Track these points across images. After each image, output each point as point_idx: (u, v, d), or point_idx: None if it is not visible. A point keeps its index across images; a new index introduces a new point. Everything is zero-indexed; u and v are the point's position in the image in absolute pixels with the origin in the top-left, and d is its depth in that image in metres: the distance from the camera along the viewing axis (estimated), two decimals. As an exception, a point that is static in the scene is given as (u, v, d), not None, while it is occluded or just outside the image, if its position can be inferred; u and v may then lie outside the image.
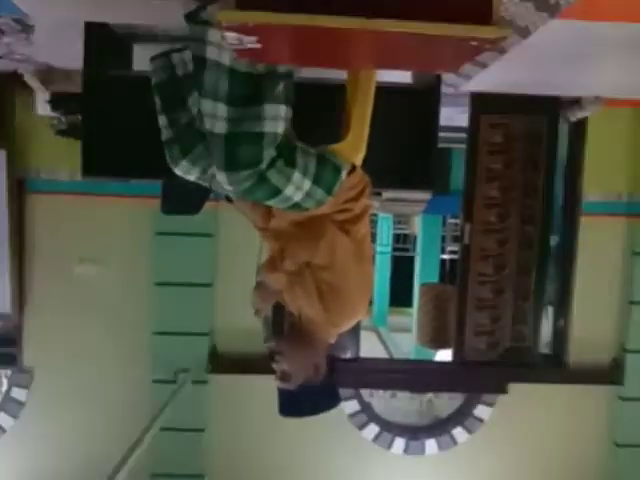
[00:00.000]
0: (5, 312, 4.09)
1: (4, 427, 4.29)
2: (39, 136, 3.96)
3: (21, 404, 4.27)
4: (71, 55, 2.55)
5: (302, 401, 1.66)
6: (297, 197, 1.57)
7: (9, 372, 4.30)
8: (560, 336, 4.36)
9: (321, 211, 1.63)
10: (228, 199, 1.78)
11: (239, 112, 1.46)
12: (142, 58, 2.52)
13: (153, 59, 1.71)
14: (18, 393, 4.27)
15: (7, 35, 2.56)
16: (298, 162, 1.55)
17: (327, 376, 1.68)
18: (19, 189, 4.05)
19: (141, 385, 4.14)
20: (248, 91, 1.45)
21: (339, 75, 1.77)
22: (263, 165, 1.50)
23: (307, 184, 1.56)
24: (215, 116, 1.47)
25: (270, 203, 1.61)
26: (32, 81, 3.33)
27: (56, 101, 3.43)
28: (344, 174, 1.62)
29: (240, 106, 1.46)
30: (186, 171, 1.67)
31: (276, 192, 1.55)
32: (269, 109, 1.47)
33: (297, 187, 1.55)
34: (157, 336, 4.13)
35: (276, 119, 1.48)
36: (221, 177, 1.52)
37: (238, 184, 1.52)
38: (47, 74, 3.30)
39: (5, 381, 4.32)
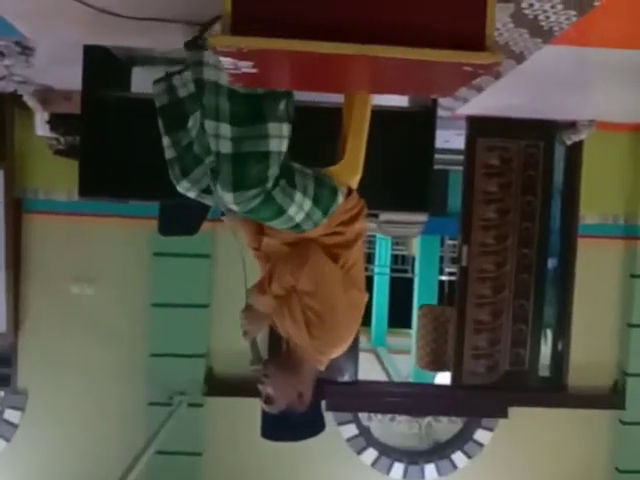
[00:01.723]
0: (0, 332, 4.06)
1: (-4, 450, 4.23)
2: (37, 156, 3.97)
3: (14, 426, 4.22)
4: (70, 77, 2.57)
5: (283, 426, 1.64)
6: (298, 218, 1.57)
7: (2, 393, 4.25)
8: (559, 359, 4.33)
9: (312, 234, 1.62)
10: (222, 214, 1.78)
11: (243, 131, 1.46)
12: (141, 80, 2.55)
13: (156, 82, 1.74)
14: (11, 415, 4.22)
15: (7, 57, 2.58)
16: (298, 182, 1.55)
17: (312, 403, 1.65)
18: (16, 209, 4.05)
19: (136, 407, 4.09)
20: (251, 110, 1.46)
21: (335, 98, 1.78)
22: (269, 184, 1.50)
23: (308, 204, 1.56)
24: (219, 136, 1.47)
25: (273, 223, 1.60)
26: (31, 102, 3.35)
27: (55, 122, 3.45)
28: (341, 197, 1.62)
29: (244, 125, 1.46)
30: (186, 190, 1.70)
31: (280, 212, 1.55)
32: (273, 127, 1.47)
33: (299, 207, 1.55)
34: (153, 358, 4.09)
35: (280, 137, 1.49)
36: (228, 197, 1.51)
37: (245, 204, 1.51)
38: (46, 95, 3.32)
39: (-1, 403, 4.27)
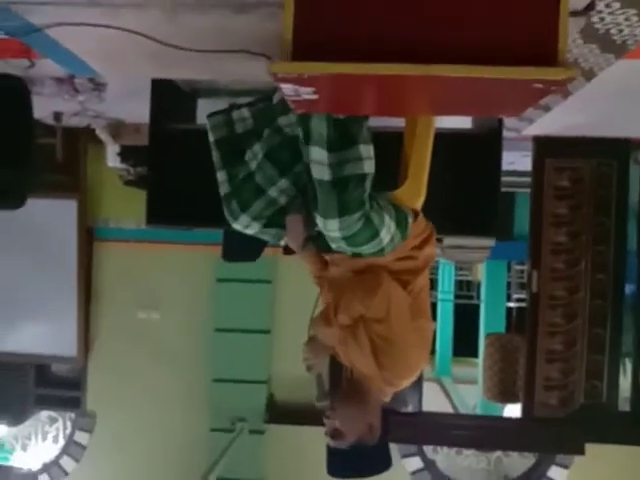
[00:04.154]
0: (71, 355, 4.22)
1: (67, 470, 4.36)
2: (108, 187, 4.15)
3: (83, 447, 4.34)
4: (140, 110, 2.68)
5: (352, 462, 1.55)
6: (386, 240, 1.53)
7: (73, 415, 4.39)
8: (640, 392, 4.04)
9: (384, 260, 1.57)
10: (286, 251, 1.75)
11: (340, 155, 1.44)
12: (206, 111, 2.62)
13: (211, 116, 1.75)
14: (81, 437, 4.35)
15: (81, 93, 2.73)
16: (383, 205, 1.53)
17: (381, 437, 1.58)
18: (88, 237, 4.23)
19: (199, 433, 4.12)
20: (343, 133, 1.44)
21: (393, 122, 1.76)
22: (367, 206, 1.47)
23: (393, 227, 1.53)
24: (315, 162, 1.45)
25: (363, 249, 1.54)
26: (103, 135, 3.52)
27: (125, 153, 3.60)
28: (411, 219, 1.58)
29: (339, 150, 1.44)
30: (246, 225, 1.66)
31: (375, 235, 1.51)
32: (364, 149, 1.46)
33: (388, 230, 1.52)
34: (216, 383, 4.12)
35: (370, 159, 1.48)
36: (332, 224, 1.46)
37: (348, 229, 1.47)
38: (117, 128, 3.48)
39: (69, 424, 4.41)
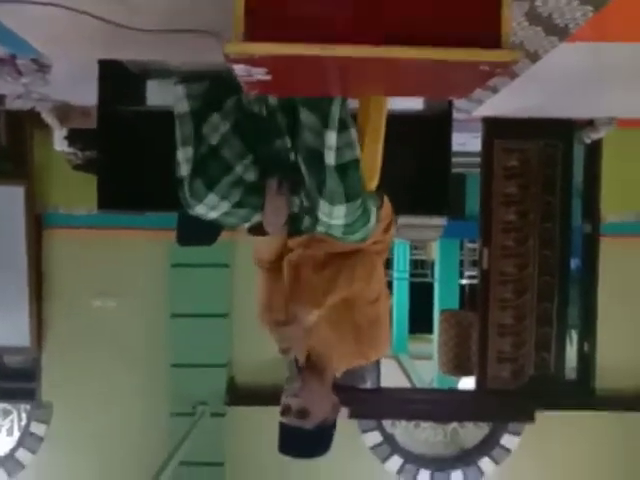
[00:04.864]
0: (24, 346, 4.11)
1: (23, 463, 4.27)
2: (57, 172, 4.03)
3: (40, 439, 4.25)
4: (87, 92, 2.60)
5: (312, 441, 1.56)
6: (372, 224, 1.52)
7: (28, 407, 4.29)
8: (586, 362, 4.25)
9: (364, 243, 1.58)
10: (254, 231, 1.67)
11: (342, 140, 1.40)
12: (156, 93, 2.57)
13: (184, 83, 1.60)
14: (37, 428, 4.26)
15: (25, 75, 2.62)
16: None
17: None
18: (37, 225, 4.10)
19: (159, 418, 4.10)
20: (342, 115, 1.40)
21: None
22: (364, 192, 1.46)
23: (375, 211, 1.53)
24: (331, 148, 1.39)
25: (357, 236, 1.51)
26: (50, 118, 3.40)
27: (73, 137, 3.49)
28: (378, 203, 1.60)
29: (341, 133, 1.40)
30: (212, 206, 1.53)
31: (368, 220, 1.50)
32: (354, 133, 1.43)
33: (373, 215, 1.52)
34: (175, 369, 4.10)
35: (357, 143, 1.45)
36: (339, 211, 1.41)
37: (353, 215, 1.44)
38: (64, 111, 3.37)
39: (24, 416, 4.31)
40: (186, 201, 1.57)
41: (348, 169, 1.40)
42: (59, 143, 3.54)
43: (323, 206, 1.43)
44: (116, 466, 4.16)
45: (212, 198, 1.52)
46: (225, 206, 1.54)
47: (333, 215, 1.43)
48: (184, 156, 1.55)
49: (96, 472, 4.19)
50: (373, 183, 1.67)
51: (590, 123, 3.87)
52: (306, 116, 1.41)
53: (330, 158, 1.38)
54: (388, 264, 9.30)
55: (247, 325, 4.02)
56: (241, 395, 4.15)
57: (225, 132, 1.53)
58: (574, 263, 4.30)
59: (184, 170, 1.55)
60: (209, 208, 1.55)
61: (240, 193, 1.55)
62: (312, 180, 1.45)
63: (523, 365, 4.12)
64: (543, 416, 4.14)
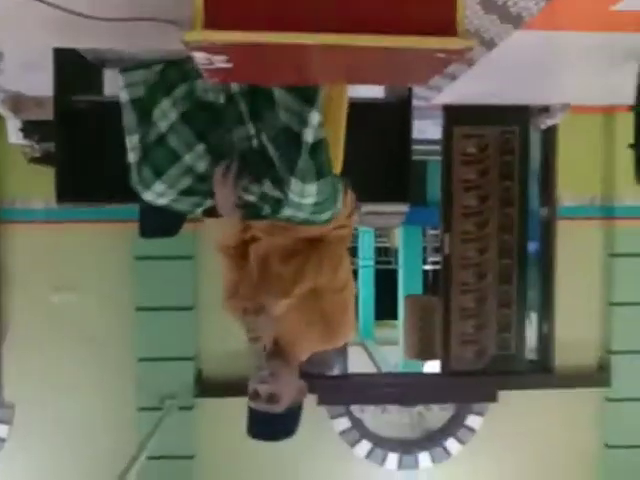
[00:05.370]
0: (-18, 346, 4.01)
1: (-15, 465, 4.17)
2: (12, 165, 3.91)
3: (2, 440, 4.16)
4: (41, 82, 2.54)
5: (280, 424, 1.60)
6: (339, 204, 1.53)
7: (-12, 408, 4.19)
8: (545, 341, 4.39)
9: (325, 229, 1.59)
10: (209, 213, 1.66)
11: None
12: (113, 83, 2.52)
13: (127, 71, 1.58)
14: (-1, 429, 4.16)
15: (-25, 65, 2.54)
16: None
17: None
18: (-7, 219, 3.99)
19: (126, 414, 4.05)
20: (308, 95, 1.39)
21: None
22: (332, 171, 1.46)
23: (342, 190, 1.54)
24: (313, 126, 1.38)
25: (324, 217, 1.52)
26: (2, 109, 3.30)
27: (28, 129, 3.40)
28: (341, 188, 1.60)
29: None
30: (160, 193, 1.55)
31: (335, 200, 1.50)
32: (319, 115, 1.41)
33: (340, 195, 1.52)
34: (141, 363, 4.06)
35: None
36: (310, 189, 1.41)
37: (323, 193, 1.44)
38: (18, 102, 3.27)
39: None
40: (134, 188, 1.58)
41: (319, 147, 1.41)
42: (14, 135, 3.44)
43: (295, 185, 1.43)
44: (83, 464, 4.10)
45: (159, 186, 1.53)
46: (173, 193, 1.55)
47: (305, 193, 1.43)
48: (130, 144, 1.57)
49: (62, 471, 4.13)
50: (336, 169, 1.69)
51: (545, 109, 3.98)
52: (282, 95, 1.42)
53: (309, 135, 1.39)
54: (353, 252, 9.39)
55: (213, 317, 4.01)
56: (209, 387, 4.14)
57: (174, 121, 1.52)
58: (532, 246, 4.43)
59: (131, 157, 1.57)
60: (157, 195, 1.56)
61: (190, 181, 1.55)
62: (282, 160, 1.45)
63: (485, 346, 4.24)
64: (505, 396, 4.27)
